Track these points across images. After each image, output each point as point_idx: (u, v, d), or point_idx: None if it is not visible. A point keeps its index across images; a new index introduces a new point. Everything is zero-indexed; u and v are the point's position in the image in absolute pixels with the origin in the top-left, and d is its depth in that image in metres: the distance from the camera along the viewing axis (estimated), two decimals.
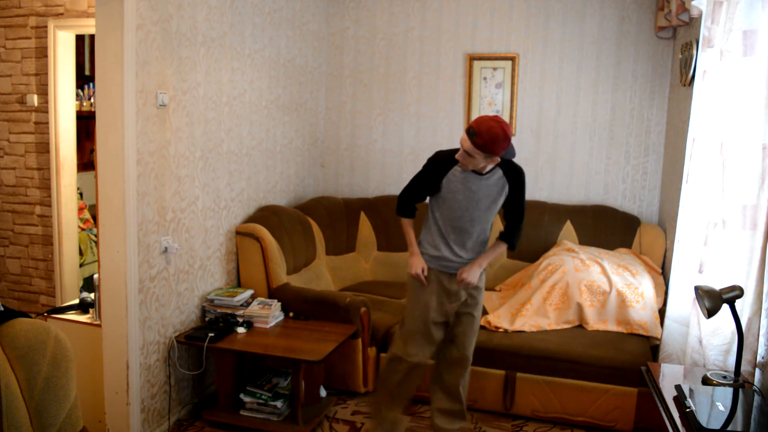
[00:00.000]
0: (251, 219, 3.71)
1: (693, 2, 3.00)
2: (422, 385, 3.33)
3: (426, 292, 2.84)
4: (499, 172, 2.73)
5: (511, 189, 2.76)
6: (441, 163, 2.77)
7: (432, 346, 2.90)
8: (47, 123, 4.22)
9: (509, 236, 2.88)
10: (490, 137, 2.50)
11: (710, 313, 2.20)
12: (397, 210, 2.96)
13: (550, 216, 4.23)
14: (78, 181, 4.53)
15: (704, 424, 1.87)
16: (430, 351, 2.91)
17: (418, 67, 4.63)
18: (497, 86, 4.47)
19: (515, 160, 2.77)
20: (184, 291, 3.22)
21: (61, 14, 4.12)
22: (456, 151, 2.71)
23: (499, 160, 2.64)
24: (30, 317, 1.72)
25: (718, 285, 2.36)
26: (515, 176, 2.76)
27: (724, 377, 2.27)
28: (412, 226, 2.95)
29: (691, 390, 2.12)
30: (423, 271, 2.82)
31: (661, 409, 2.13)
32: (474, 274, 2.78)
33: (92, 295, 3.14)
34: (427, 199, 2.91)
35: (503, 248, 2.92)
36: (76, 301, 3.26)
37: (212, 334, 3.09)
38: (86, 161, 5.10)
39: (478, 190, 2.71)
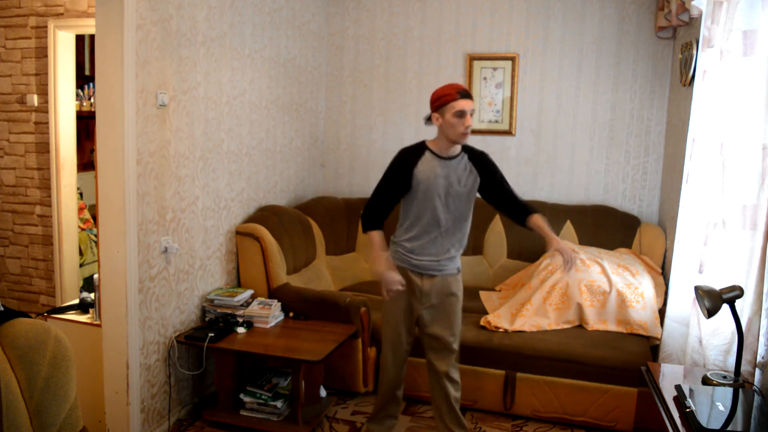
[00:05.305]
0: (251, 219, 3.71)
1: (693, 2, 3.00)
2: (423, 385, 3.34)
3: (399, 297, 2.74)
4: (465, 157, 2.72)
5: (483, 173, 2.73)
6: (409, 155, 2.69)
7: (402, 354, 2.85)
8: (47, 123, 4.22)
9: (527, 210, 2.76)
10: (449, 85, 2.61)
11: (710, 313, 2.20)
12: (364, 227, 2.75)
13: (550, 216, 4.17)
14: (78, 181, 4.53)
15: (704, 424, 1.87)
16: (402, 359, 2.86)
17: (418, 67, 4.63)
18: (497, 86, 4.47)
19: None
20: (184, 291, 3.22)
21: (61, 14, 4.12)
22: (420, 144, 2.71)
23: (473, 104, 2.61)
24: (30, 317, 1.72)
25: (718, 285, 2.36)
26: (480, 159, 2.74)
27: (724, 377, 2.27)
28: (383, 237, 2.72)
29: (691, 390, 2.12)
30: (402, 286, 2.67)
31: (661, 409, 2.13)
32: (564, 245, 2.70)
33: (92, 295, 3.14)
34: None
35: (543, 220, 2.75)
36: (76, 301, 3.26)
37: (212, 334, 3.09)
38: (86, 161, 5.10)
39: (449, 175, 2.65)
